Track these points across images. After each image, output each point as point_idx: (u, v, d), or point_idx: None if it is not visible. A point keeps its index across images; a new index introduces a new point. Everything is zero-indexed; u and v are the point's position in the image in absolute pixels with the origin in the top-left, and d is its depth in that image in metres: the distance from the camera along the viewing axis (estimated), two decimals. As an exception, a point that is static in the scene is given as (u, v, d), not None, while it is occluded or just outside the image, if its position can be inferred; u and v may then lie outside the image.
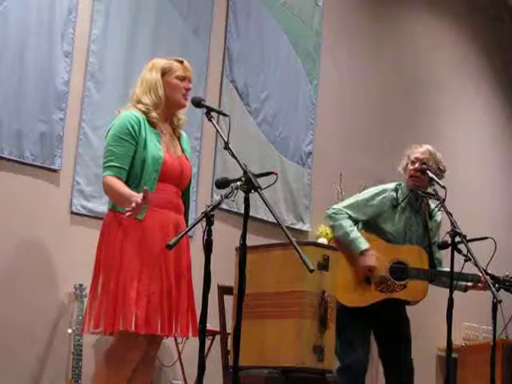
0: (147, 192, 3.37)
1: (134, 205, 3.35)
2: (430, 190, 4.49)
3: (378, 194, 4.63)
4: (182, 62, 3.85)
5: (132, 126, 3.66)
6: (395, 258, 4.58)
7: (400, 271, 4.56)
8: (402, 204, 4.63)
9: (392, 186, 4.70)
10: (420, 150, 4.68)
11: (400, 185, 4.70)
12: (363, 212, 4.59)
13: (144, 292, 3.55)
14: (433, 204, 4.73)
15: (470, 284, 4.62)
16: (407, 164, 4.66)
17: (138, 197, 3.38)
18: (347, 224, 4.51)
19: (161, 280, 3.60)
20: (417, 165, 4.61)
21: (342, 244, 4.52)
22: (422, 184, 4.58)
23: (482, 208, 8.16)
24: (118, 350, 3.62)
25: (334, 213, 4.57)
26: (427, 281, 4.61)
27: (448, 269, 4.44)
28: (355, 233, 4.50)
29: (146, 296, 3.55)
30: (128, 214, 3.38)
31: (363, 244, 4.48)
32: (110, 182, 3.61)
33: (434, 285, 4.69)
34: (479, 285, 4.58)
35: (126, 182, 3.64)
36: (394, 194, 4.64)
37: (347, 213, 4.55)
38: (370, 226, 4.61)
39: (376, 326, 4.60)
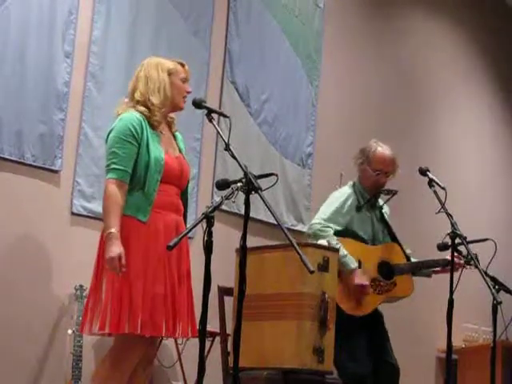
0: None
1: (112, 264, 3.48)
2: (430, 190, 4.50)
3: (345, 201, 4.66)
4: (183, 66, 3.89)
5: (135, 128, 3.66)
6: (378, 258, 4.62)
7: (387, 270, 4.61)
8: (364, 206, 4.67)
9: (349, 188, 4.74)
10: (387, 159, 4.67)
11: (354, 185, 4.74)
12: (339, 222, 4.60)
13: (149, 293, 3.56)
14: (380, 199, 4.82)
15: (438, 269, 4.68)
16: (371, 170, 4.66)
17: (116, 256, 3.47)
18: (334, 242, 4.50)
19: (165, 281, 3.60)
20: (384, 179, 4.65)
21: None
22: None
23: (482, 209, 8.16)
24: (118, 350, 3.62)
25: (320, 229, 4.54)
26: (411, 274, 4.69)
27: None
28: (343, 250, 4.50)
29: (150, 297, 3.56)
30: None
31: (352, 263, 4.51)
32: (108, 193, 3.60)
33: (417, 276, 4.79)
34: (447, 268, 4.57)
35: (130, 185, 3.64)
36: (355, 197, 4.69)
37: (330, 227, 4.54)
38: (342, 232, 4.61)
39: (369, 329, 4.61)
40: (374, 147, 4.72)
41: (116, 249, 3.49)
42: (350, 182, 4.80)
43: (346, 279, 4.50)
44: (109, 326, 3.53)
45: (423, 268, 4.74)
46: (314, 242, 4.53)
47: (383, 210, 4.82)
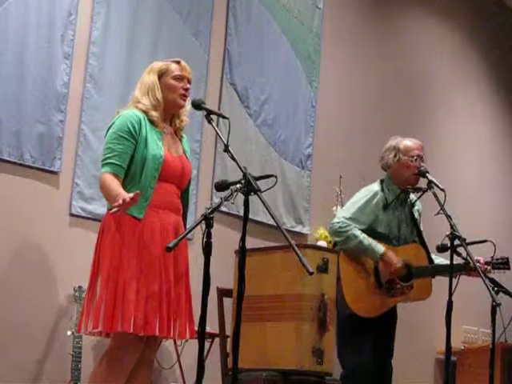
0: (139, 194, 3.38)
1: (120, 201, 3.34)
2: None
3: (371, 200, 4.58)
4: (178, 63, 3.87)
5: (132, 125, 3.67)
6: (392, 274, 4.56)
7: (406, 272, 4.56)
8: (392, 203, 4.63)
9: (377, 186, 4.66)
10: (416, 146, 4.69)
11: (383, 182, 4.68)
12: (362, 222, 4.54)
13: (143, 293, 3.56)
14: (412, 194, 4.74)
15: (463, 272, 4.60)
16: (403, 159, 4.63)
17: (125, 195, 3.38)
18: (358, 232, 4.47)
19: (160, 281, 3.60)
20: (420, 162, 4.62)
21: (353, 254, 4.50)
22: None
23: (481, 209, 8.16)
24: (114, 351, 3.62)
25: (340, 226, 4.49)
26: (431, 277, 4.62)
27: (446, 261, 4.50)
28: (368, 239, 4.47)
29: (144, 297, 3.56)
30: (113, 210, 3.39)
31: (380, 248, 4.47)
32: (104, 179, 3.62)
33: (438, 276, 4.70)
34: (471, 272, 4.49)
35: (124, 181, 3.65)
36: (383, 195, 4.63)
37: (351, 224, 4.49)
38: (364, 231, 4.55)
39: (378, 329, 4.59)
40: (398, 140, 4.72)
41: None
42: (378, 181, 4.71)
43: (364, 270, 4.47)
44: (102, 324, 3.53)
45: (443, 272, 4.59)
46: (337, 239, 4.52)
47: (415, 208, 4.74)
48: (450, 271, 4.10)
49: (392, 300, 4.54)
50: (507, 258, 4.59)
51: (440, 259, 4.69)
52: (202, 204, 5.41)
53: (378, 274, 4.52)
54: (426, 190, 4.54)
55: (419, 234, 4.70)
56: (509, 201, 8.67)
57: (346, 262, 4.45)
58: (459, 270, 4.32)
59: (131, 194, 3.35)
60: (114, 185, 3.58)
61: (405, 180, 4.63)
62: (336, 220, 4.55)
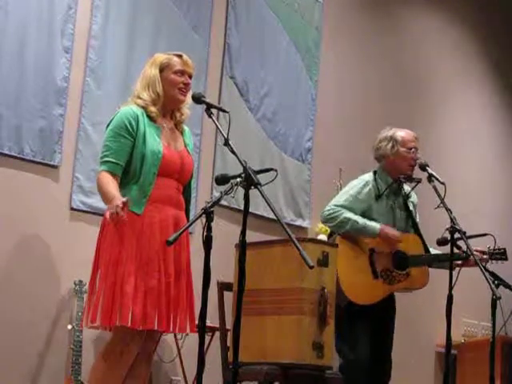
0: (130, 200, 3.42)
1: (114, 214, 3.39)
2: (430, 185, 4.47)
3: (363, 188, 4.60)
4: (180, 57, 3.85)
5: (129, 122, 3.67)
6: (393, 248, 4.58)
7: (401, 261, 4.56)
8: (385, 193, 4.63)
9: (370, 176, 4.68)
10: (412, 137, 4.71)
11: (375, 173, 4.69)
12: (354, 209, 4.55)
13: (141, 288, 3.56)
14: (406, 186, 4.75)
15: (459, 262, 4.55)
16: (401, 150, 4.63)
17: (118, 201, 3.41)
18: (350, 215, 4.49)
19: (159, 276, 3.60)
20: (416, 154, 4.63)
21: (348, 238, 4.52)
22: None
23: (481, 204, 8.15)
24: (114, 345, 3.62)
25: (330, 213, 4.53)
26: (427, 266, 4.63)
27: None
28: (362, 218, 4.50)
29: (143, 292, 3.56)
30: (109, 219, 3.44)
31: (376, 224, 4.51)
32: (100, 179, 3.63)
33: (433, 267, 4.70)
34: (467, 262, 4.49)
35: (125, 178, 3.65)
36: (375, 184, 4.63)
37: (341, 211, 4.51)
38: None
39: (376, 321, 4.59)
40: (394, 130, 4.73)
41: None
42: (371, 171, 4.71)
43: (360, 257, 4.50)
44: (100, 318, 3.54)
45: (440, 261, 4.60)
46: (330, 225, 4.55)
47: (410, 199, 4.75)
48: (450, 261, 4.10)
49: (388, 288, 4.55)
50: (504, 249, 4.59)
51: (436, 251, 4.69)
52: (203, 198, 5.41)
53: (374, 263, 4.54)
54: (420, 181, 4.58)
55: (414, 225, 4.71)
56: (509, 196, 8.66)
57: (343, 252, 4.45)
58: (458, 259, 4.33)
59: (124, 199, 3.40)
60: (110, 187, 3.58)
61: (400, 171, 4.64)
62: (326, 208, 4.58)
